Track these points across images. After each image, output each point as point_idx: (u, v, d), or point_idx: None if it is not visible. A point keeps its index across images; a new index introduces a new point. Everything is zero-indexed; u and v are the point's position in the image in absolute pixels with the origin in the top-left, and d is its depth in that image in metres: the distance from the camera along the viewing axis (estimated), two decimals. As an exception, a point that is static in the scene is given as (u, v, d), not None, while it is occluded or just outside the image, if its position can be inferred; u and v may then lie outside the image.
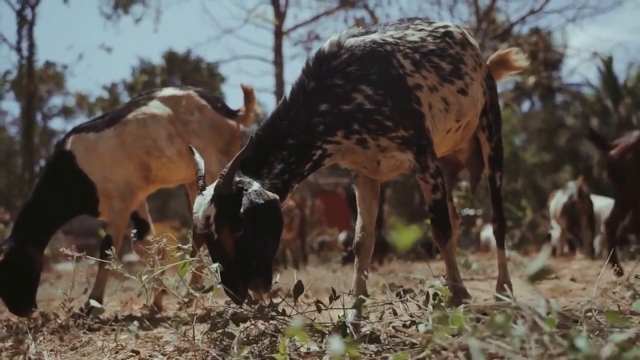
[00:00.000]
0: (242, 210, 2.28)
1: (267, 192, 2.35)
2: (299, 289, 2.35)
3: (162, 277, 2.45)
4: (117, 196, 4.25)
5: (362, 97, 2.55)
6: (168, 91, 4.57)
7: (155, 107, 4.40)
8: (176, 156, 4.35)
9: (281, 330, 2.29)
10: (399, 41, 2.75)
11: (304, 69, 2.64)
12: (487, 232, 12.04)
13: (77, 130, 4.45)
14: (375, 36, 2.72)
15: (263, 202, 2.29)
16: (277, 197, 2.36)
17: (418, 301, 2.23)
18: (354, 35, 2.71)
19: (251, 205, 2.28)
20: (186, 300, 2.49)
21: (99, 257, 3.01)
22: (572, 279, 5.19)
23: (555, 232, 10.31)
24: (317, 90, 2.56)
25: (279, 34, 16.16)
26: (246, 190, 2.32)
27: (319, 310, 2.38)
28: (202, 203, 2.34)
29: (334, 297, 2.41)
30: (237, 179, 2.37)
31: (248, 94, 4.58)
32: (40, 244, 4.26)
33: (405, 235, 1.03)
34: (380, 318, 2.33)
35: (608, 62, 22.40)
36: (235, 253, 2.30)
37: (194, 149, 2.64)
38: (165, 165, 4.36)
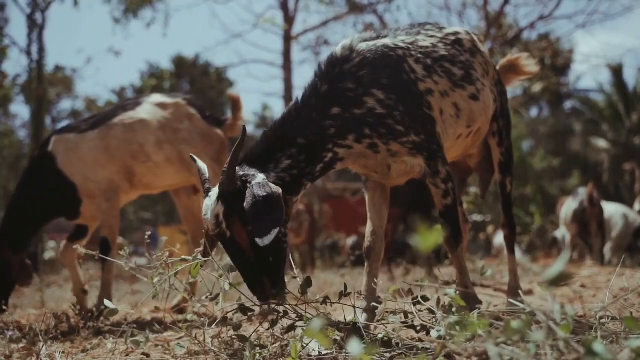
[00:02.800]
0: (244, 204, 2.25)
1: (270, 184, 2.31)
2: (307, 283, 2.34)
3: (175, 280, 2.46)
4: (101, 196, 4.24)
5: (374, 102, 2.55)
6: (156, 98, 4.58)
7: (143, 113, 4.40)
8: (164, 162, 4.34)
9: (293, 330, 2.29)
10: (410, 46, 2.76)
11: (316, 71, 2.64)
12: (500, 239, 11.97)
13: (59, 131, 4.48)
14: (386, 41, 2.73)
15: (265, 194, 2.25)
16: (280, 190, 2.32)
17: (431, 306, 2.21)
18: (365, 40, 2.72)
19: (251, 200, 2.24)
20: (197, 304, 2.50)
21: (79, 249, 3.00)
22: (582, 286, 5.15)
23: (560, 232, 10.27)
24: (330, 93, 2.56)
25: (287, 38, 16.18)
26: (249, 183, 2.30)
27: (324, 302, 2.35)
28: (209, 204, 2.34)
29: (344, 293, 2.38)
30: (241, 172, 2.36)
31: (235, 103, 4.60)
32: (19, 246, 4.25)
33: (428, 238, 1.03)
34: (394, 314, 2.31)
35: (618, 68, 22.30)
36: (251, 248, 2.28)
37: (195, 157, 2.62)
38: (151, 171, 4.35)
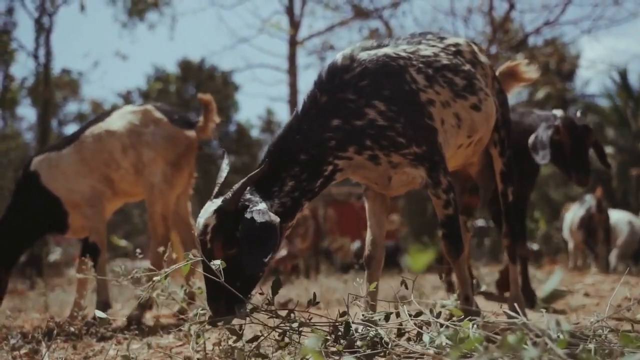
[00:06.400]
0: (241, 228, 2.26)
1: (270, 214, 2.31)
2: (276, 285, 2.31)
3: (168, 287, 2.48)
4: (85, 204, 4.39)
5: (375, 113, 2.53)
6: (127, 108, 4.73)
7: (111, 122, 4.56)
8: (131, 167, 4.47)
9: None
10: (411, 56, 2.74)
11: (316, 82, 2.61)
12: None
13: (40, 152, 4.65)
14: (388, 50, 2.71)
15: (263, 221, 2.26)
16: (278, 220, 2.32)
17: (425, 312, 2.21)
18: (366, 49, 2.69)
19: (248, 225, 2.26)
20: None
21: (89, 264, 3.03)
22: (586, 294, 5.14)
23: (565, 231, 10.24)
24: (330, 104, 2.54)
25: (293, 43, 16.23)
26: (250, 209, 2.31)
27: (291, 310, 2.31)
28: (207, 209, 2.34)
29: (313, 301, 2.34)
30: (248, 196, 2.37)
31: (207, 105, 4.70)
32: (9, 265, 4.38)
33: (419, 259, 1.04)
34: (387, 317, 2.31)
35: (623, 73, 22.26)
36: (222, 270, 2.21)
37: (225, 153, 2.66)
38: (124, 177, 4.49)
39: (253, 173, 2.36)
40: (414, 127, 2.58)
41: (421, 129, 2.61)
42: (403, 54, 2.72)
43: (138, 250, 3.14)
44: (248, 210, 2.30)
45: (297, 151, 2.49)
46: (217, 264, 2.16)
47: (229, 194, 2.33)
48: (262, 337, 2.28)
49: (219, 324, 2.28)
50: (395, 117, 2.54)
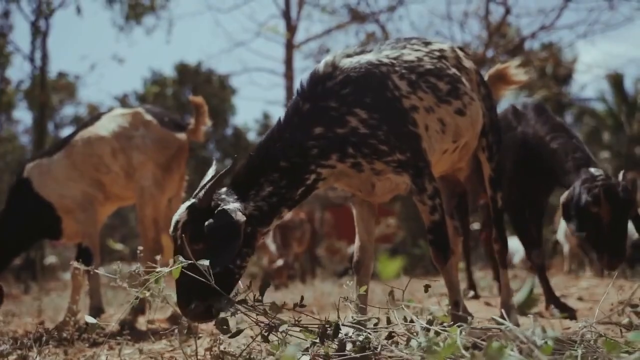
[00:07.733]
0: (206, 224, 2.29)
1: (238, 212, 2.33)
2: (265, 286, 2.35)
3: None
4: (77, 208, 4.41)
5: (357, 121, 2.53)
6: (117, 111, 4.75)
7: (100, 126, 4.57)
8: (121, 171, 4.49)
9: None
10: (394, 61, 2.73)
11: (298, 90, 2.62)
12: (513, 249, 11.62)
13: (32, 158, 4.67)
14: (370, 56, 2.70)
15: (224, 221, 2.29)
16: (244, 219, 2.34)
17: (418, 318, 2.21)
18: (349, 55, 2.69)
19: (213, 223, 2.29)
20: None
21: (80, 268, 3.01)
22: (580, 298, 5.15)
23: (561, 235, 10.22)
24: (312, 112, 2.55)
25: (290, 47, 16.26)
26: (220, 207, 2.34)
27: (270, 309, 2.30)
28: (182, 207, 2.40)
29: (300, 303, 2.37)
30: (222, 196, 2.40)
31: (198, 108, 4.71)
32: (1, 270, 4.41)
33: (389, 267, 1.04)
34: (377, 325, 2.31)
35: (618, 78, 22.32)
36: (192, 265, 2.21)
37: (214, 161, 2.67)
38: (115, 181, 4.51)
39: (224, 170, 2.39)
40: (396, 134, 2.58)
41: (404, 135, 2.60)
42: (385, 60, 2.71)
43: (140, 248, 3.11)
44: (219, 208, 2.33)
45: (278, 158, 2.50)
46: (204, 265, 2.17)
47: (201, 192, 2.36)
48: (252, 338, 2.29)
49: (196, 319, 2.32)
50: (377, 124, 2.54)
